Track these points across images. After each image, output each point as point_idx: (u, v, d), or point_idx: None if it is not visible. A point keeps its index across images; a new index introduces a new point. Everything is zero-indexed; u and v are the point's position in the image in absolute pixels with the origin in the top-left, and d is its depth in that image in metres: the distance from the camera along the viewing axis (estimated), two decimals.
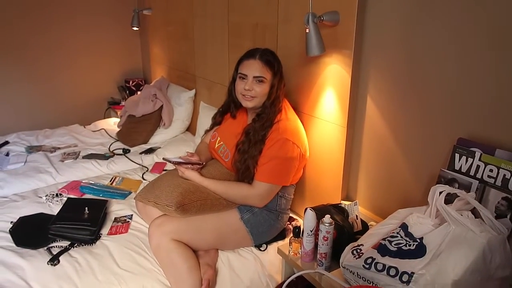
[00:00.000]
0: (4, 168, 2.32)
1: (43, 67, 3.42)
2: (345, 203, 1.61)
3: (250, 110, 1.76)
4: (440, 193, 1.07)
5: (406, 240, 1.05)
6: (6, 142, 2.75)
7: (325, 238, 1.38)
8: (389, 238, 1.08)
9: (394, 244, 1.06)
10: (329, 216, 1.39)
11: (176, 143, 2.83)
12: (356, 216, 1.54)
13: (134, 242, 1.70)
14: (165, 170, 2.42)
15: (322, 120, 1.77)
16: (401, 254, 1.02)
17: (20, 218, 1.80)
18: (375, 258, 1.04)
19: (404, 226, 1.10)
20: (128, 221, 1.85)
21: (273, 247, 1.75)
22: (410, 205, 1.48)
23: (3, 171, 2.30)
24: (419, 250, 1.01)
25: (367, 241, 1.15)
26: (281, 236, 1.81)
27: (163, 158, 1.85)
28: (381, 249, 1.06)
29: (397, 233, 1.09)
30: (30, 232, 1.70)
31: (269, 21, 2.00)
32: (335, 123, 1.71)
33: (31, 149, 2.62)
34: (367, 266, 1.04)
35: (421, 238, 1.04)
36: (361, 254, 1.10)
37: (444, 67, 1.32)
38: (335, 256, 1.44)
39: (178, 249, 1.52)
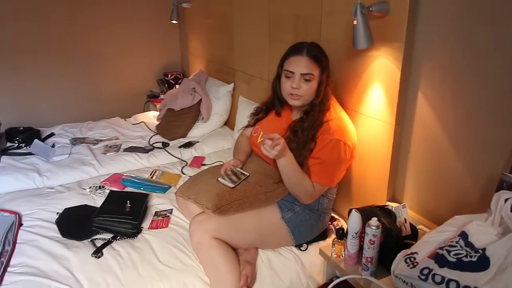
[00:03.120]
0: (50, 160, 2.40)
1: (84, 62, 3.51)
2: (392, 205, 1.53)
3: (295, 107, 1.70)
4: (506, 200, 0.98)
5: (467, 251, 0.97)
6: (52, 134, 2.84)
7: (372, 242, 1.31)
8: (447, 248, 1.01)
9: (453, 255, 0.98)
10: (376, 218, 1.32)
11: (214, 137, 2.83)
12: (405, 219, 1.46)
13: (175, 237, 1.71)
14: (204, 164, 2.42)
15: (368, 117, 1.69)
16: (461, 266, 0.95)
17: (65, 209, 1.85)
18: (432, 269, 0.97)
19: (463, 235, 1.02)
20: (168, 216, 1.85)
21: (314, 247, 1.70)
22: (464, 210, 1.39)
23: (49, 162, 2.38)
24: (482, 263, 0.93)
25: (422, 249, 1.08)
26: (322, 236, 1.76)
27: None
28: (439, 259, 0.99)
29: (456, 242, 1.01)
30: (75, 224, 1.74)
31: (312, 13, 1.92)
32: (382, 120, 1.62)
33: (75, 141, 2.70)
34: (423, 277, 0.97)
35: (484, 249, 0.96)
36: (415, 264, 1.03)
37: (507, 60, 1.21)
38: (381, 260, 1.38)
39: (218, 247, 1.50)
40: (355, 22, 1.46)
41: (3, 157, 2.40)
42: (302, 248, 1.70)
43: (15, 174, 2.20)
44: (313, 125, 1.58)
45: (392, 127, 1.58)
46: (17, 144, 2.58)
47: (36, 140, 2.57)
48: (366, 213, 1.43)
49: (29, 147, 2.53)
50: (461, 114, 1.38)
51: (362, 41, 1.48)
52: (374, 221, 1.32)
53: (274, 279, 1.60)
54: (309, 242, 1.72)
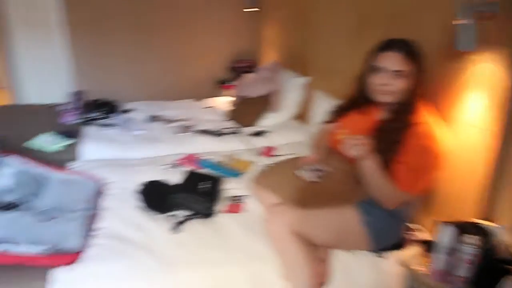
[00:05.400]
0: (131, 133, 2.50)
1: (163, 46, 3.74)
2: (488, 224, 1.41)
3: (382, 106, 1.62)
4: None
5: None
6: (131, 109, 2.97)
7: (467, 260, 1.23)
8: None
9: None
10: (476, 237, 1.23)
11: (285, 128, 2.80)
12: (502, 241, 1.35)
13: (247, 223, 1.69)
14: (274, 155, 2.39)
15: (464, 123, 1.56)
16: None
17: (147, 181, 1.89)
18: None
19: None
20: (242, 201, 1.85)
21: (390, 255, 1.62)
22: None
23: (130, 135, 2.48)
24: None
25: None
26: (398, 245, 1.67)
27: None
28: None
29: None
30: (156, 197, 1.78)
31: (405, 8, 1.80)
32: (481, 127, 1.49)
33: (152, 118, 2.80)
34: None
35: None
36: None
37: None
38: (474, 281, 1.28)
39: (295, 241, 1.48)
40: (459, 22, 1.35)
41: (88, 126, 2.54)
42: (377, 255, 1.63)
43: (99, 144, 2.31)
44: (401, 126, 1.50)
45: (494, 135, 1.44)
46: (101, 115, 2.72)
47: (119, 113, 2.70)
48: (459, 228, 1.33)
49: (113, 118, 2.66)
50: None
51: (466, 43, 1.36)
52: (471, 238, 1.23)
53: (348, 281, 1.56)
54: (384, 250, 1.65)
